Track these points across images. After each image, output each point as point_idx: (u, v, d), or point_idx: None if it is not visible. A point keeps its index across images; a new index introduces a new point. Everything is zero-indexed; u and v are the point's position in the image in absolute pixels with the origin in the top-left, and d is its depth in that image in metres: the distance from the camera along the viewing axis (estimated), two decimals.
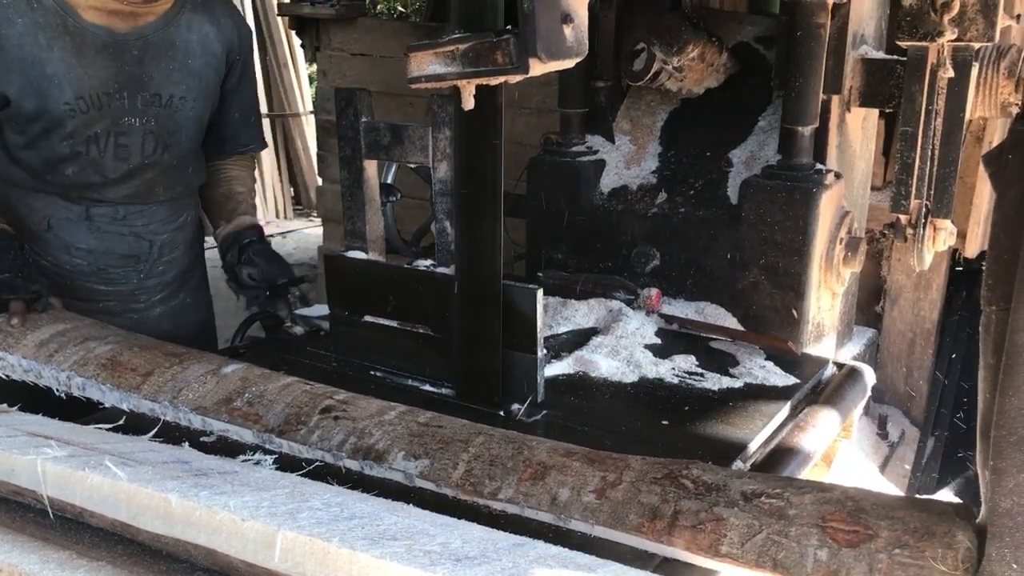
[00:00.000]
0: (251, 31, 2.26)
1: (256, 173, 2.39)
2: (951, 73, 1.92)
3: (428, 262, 1.93)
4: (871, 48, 2.20)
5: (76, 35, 1.90)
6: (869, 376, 1.97)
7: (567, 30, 1.48)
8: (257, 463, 1.31)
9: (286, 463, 1.33)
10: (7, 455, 1.18)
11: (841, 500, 1.19)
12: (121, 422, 1.42)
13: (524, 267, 2.46)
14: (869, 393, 1.97)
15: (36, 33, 1.87)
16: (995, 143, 2.43)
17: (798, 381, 1.86)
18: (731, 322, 2.16)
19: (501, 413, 1.69)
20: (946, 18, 1.87)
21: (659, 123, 2.38)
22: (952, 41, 1.91)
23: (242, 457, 1.34)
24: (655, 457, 1.35)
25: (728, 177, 2.23)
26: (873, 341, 2.74)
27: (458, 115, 1.60)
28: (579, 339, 2.05)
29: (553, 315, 2.16)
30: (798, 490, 1.22)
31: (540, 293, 1.66)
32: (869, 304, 2.96)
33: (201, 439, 1.52)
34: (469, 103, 1.55)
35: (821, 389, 1.89)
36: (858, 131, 2.29)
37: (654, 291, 2.19)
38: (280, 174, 7.85)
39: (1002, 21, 1.91)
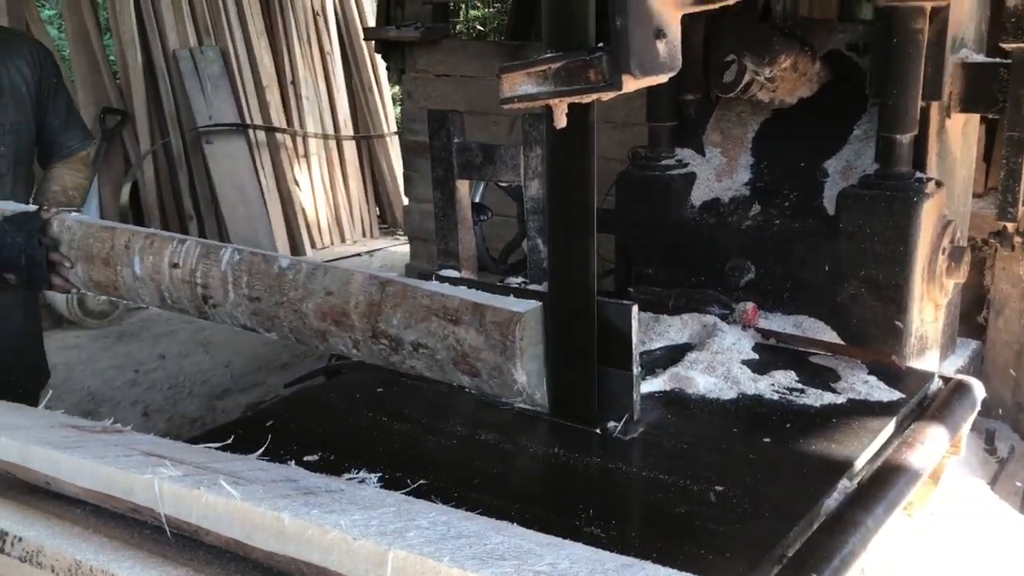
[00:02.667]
0: (50, 53, 2.74)
1: (86, 170, 2.79)
2: None
3: (519, 279, 1.94)
4: (971, 52, 2.14)
5: None
6: (978, 390, 1.90)
7: (660, 45, 1.47)
8: (361, 482, 1.33)
9: (390, 482, 1.35)
10: (126, 474, 1.22)
11: None
12: (229, 441, 1.46)
13: (613, 283, 2.45)
14: (979, 408, 1.90)
15: None
16: None
17: (903, 396, 1.80)
18: (830, 336, 2.11)
19: (597, 431, 1.68)
20: None
21: (750, 134, 2.35)
22: None
23: (347, 476, 1.36)
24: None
25: (824, 188, 2.19)
26: (977, 353, 2.64)
27: (550, 133, 1.60)
28: (673, 355, 2.03)
29: (645, 331, 2.14)
30: None
31: (635, 309, 1.65)
32: (971, 314, 2.85)
33: (305, 458, 1.55)
34: (562, 121, 1.56)
35: (927, 404, 1.83)
36: (959, 137, 2.22)
37: (750, 305, 2.15)
38: (366, 194, 7.98)
39: None
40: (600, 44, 1.51)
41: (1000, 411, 2.89)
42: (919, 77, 1.99)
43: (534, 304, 1.60)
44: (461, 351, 1.60)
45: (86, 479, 1.27)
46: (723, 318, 2.15)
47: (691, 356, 1.99)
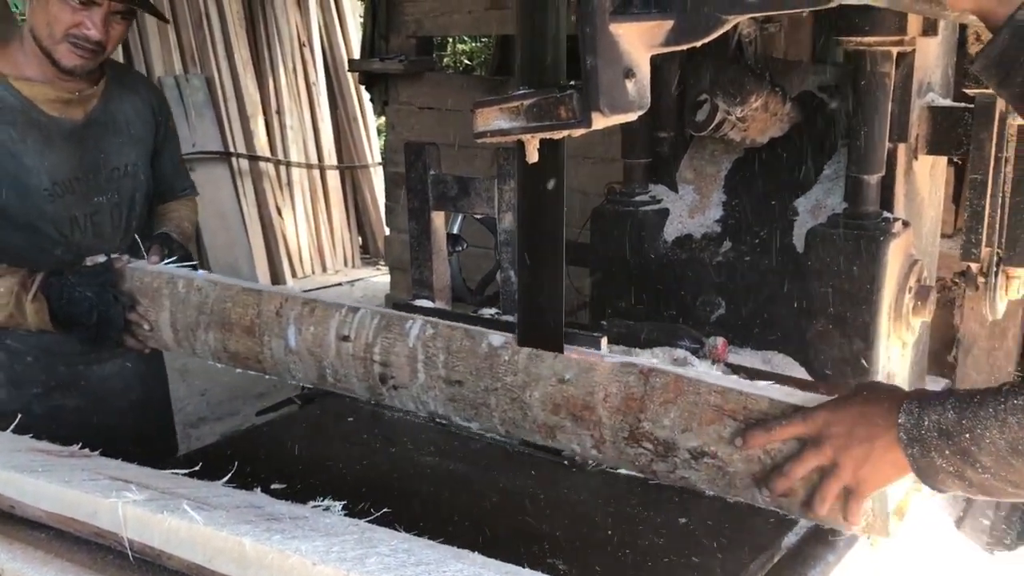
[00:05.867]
0: (163, 93, 2.56)
1: (196, 209, 2.59)
2: (1021, 120, 1.90)
3: (493, 310, 1.95)
4: (938, 95, 2.19)
5: (43, 128, 2.08)
6: None
7: (629, 84, 1.50)
8: (326, 509, 1.34)
9: (354, 511, 1.36)
10: (91, 498, 1.23)
11: None
12: (197, 468, 1.47)
13: (587, 315, 2.47)
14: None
15: (8, 129, 2.05)
16: None
17: None
18: (799, 372, 2.14)
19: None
20: None
21: (723, 172, 2.39)
22: None
23: (312, 503, 1.37)
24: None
25: (794, 226, 2.23)
26: None
27: (522, 167, 1.63)
28: None
29: None
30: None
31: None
32: (941, 353, 2.90)
33: (272, 486, 1.56)
34: (533, 156, 1.59)
35: None
36: (926, 179, 2.27)
37: (720, 340, 2.17)
38: (348, 224, 8.01)
39: None
40: (572, 82, 1.54)
41: None
42: (887, 119, 2.03)
43: None
44: (771, 465, 1.32)
45: (50, 502, 1.27)
46: (694, 352, 2.17)
47: None
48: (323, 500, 1.38)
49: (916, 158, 2.18)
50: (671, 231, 2.37)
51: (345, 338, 1.71)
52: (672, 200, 2.41)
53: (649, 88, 1.53)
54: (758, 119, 2.20)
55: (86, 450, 1.63)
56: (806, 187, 2.27)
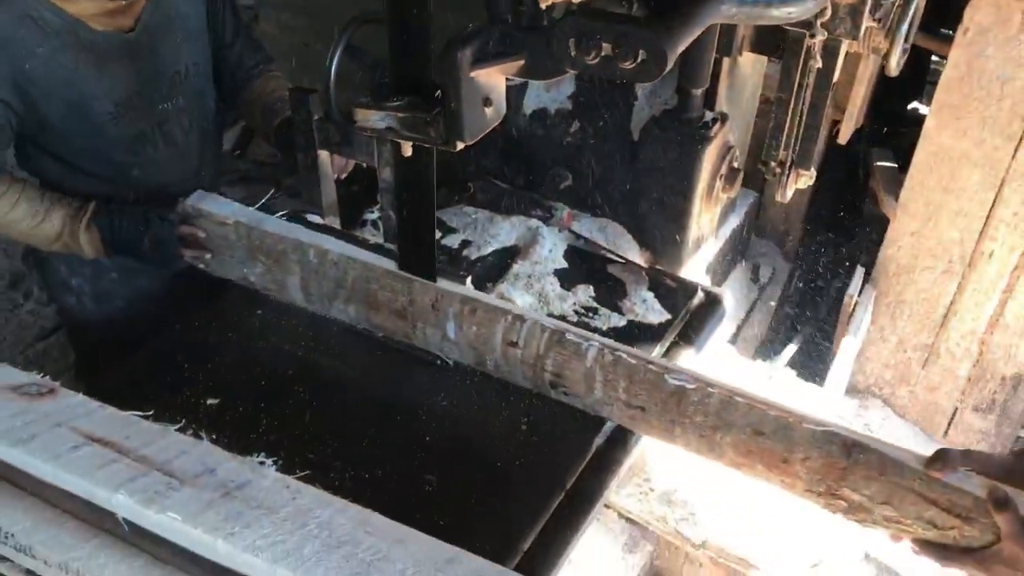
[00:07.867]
0: None
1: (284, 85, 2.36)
2: (820, 64, 2.23)
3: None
4: None
5: (93, 48, 1.96)
6: (727, 301, 2.44)
7: (488, 110, 1.77)
8: (262, 463, 1.76)
9: (285, 460, 1.77)
10: (86, 484, 1.64)
11: None
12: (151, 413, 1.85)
13: (459, 171, 2.80)
14: (726, 315, 2.44)
15: (59, 56, 1.93)
16: (861, 75, 2.74)
17: (670, 317, 2.33)
18: (628, 240, 2.60)
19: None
20: (819, 21, 2.15)
21: None
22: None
23: (249, 459, 1.78)
24: None
25: (632, 111, 2.56)
26: (754, 206, 3.19)
27: (397, 156, 1.91)
28: (502, 262, 2.47)
29: (481, 232, 2.57)
30: None
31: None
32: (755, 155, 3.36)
33: (208, 401, 1.98)
34: (407, 151, 1.87)
35: (688, 320, 2.36)
36: (748, 68, 2.59)
37: (566, 211, 2.60)
38: None
39: (867, 20, 2.19)
40: (439, 93, 1.77)
41: (772, 234, 3.53)
42: (715, 36, 2.31)
43: None
44: (959, 547, 1.42)
45: (49, 478, 1.67)
46: (544, 221, 2.59)
47: (515, 268, 2.44)
48: (258, 456, 1.79)
49: (740, 54, 2.48)
50: (529, 103, 2.66)
51: (513, 344, 1.77)
52: None
53: (505, 99, 1.80)
54: None
55: (47, 378, 1.95)
56: None
